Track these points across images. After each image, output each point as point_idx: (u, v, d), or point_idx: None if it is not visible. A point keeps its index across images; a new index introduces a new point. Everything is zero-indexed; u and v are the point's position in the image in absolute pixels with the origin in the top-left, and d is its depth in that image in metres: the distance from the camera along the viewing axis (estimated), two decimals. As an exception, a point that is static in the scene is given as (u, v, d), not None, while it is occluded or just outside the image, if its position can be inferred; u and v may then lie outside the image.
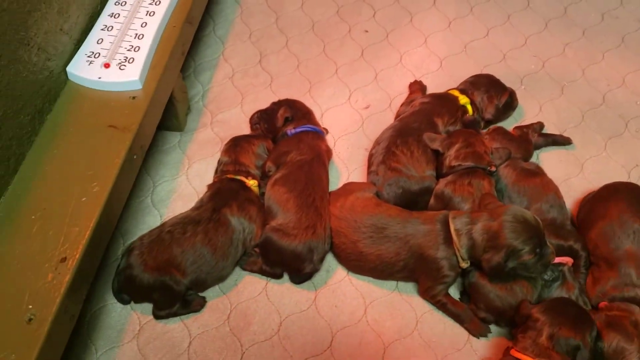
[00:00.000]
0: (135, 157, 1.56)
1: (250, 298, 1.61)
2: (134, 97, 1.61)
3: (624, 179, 1.82)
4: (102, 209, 1.40)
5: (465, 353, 1.52)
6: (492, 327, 1.56)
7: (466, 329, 1.55)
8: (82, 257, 1.33)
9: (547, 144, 1.88)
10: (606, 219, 1.57)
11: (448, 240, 1.52)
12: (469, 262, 1.52)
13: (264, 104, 1.91)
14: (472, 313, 1.56)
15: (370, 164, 1.79)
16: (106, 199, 1.42)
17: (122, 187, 1.52)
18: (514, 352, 1.36)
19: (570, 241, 1.59)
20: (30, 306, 1.24)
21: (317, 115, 1.94)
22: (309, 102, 1.95)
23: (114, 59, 1.66)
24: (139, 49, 1.68)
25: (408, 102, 1.92)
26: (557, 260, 1.53)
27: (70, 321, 1.32)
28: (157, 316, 1.56)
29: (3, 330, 1.20)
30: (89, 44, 1.69)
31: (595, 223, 1.60)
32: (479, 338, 1.54)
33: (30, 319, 1.23)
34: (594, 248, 1.58)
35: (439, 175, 1.73)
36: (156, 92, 1.65)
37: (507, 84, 1.94)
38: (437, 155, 1.74)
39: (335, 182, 1.83)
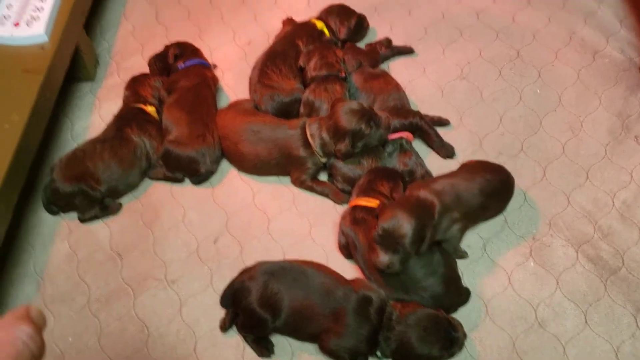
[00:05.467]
0: (48, 94, 1.91)
1: (158, 199, 1.98)
2: (42, 47, 1.96)
3: (457, 74, 2.24)
4: (22, 133, 1.75)
5: (331, 216, 1.92)
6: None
7: (331, 199, 1.95)
8: (9, 169, 1.68)
9: (394, 54, 2.29)
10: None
11: (307, 142, 1.91)
12: (325, 157, 1.93)
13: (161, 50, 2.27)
14: (334, 187, 1.96)
15: (250, 85, 2.17)
16: (25, 125, 1.77)
17: (39, 117, 1.86)
18: (351, 204, 1.81)
19: (409, 118, 2.00)
20: (-30, 205, 1.60)
21: (207, 54, 2.31)
22: (199, 45, 2.30)
23: (22, 19, 1.99)
24: (42, 9, 2.02)
25: (280, 34, 2.31)
26: (397, 135, 1.95)
27: (4, 219, 1.67)
28: (82, 220, 1.92)
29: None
30: (0, 9, 2.02)
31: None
32: (341, 204, 1.94)
33: (-30, 214, 1.58)
34: None
35: (305, 87, 2.12)
36: (61, 43, 1.99)
37: (363, 13, 2.34)
38: (302, 70, 2.13)
39: (226, 104, 2.19)
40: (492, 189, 1.78)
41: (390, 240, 1.58)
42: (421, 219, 1.59)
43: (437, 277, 1.63)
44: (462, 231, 1.74)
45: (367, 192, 1.80)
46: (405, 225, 1.57)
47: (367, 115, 1.83)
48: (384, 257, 1.59)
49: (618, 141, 2.05)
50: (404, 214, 1.59)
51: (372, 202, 1.78)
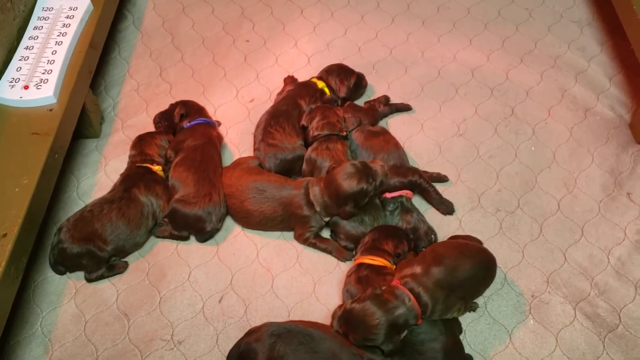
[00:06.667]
0: (56, 155, 1.95)
1: (164, 258, 2.01)
2: (50, 109, 2.01)
3: (454, 131, 2.32)
4: (32, 196, 1.78)
5: (335, 274, 1.96)
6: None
7: (334, 256, 2.00)
8: (19, 232, 1.69)
9: (391, 112, 2.36)
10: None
11: (310, 203, 1.97)
12: (328, 217, 1.99)
13: (166, 108, 2.33)
14: (337, 244, 2.00)
15: (254, 143, 2.23)
16: (34, 189, 1.80)
17: (48, 179, 1.90)
18: (355, 262, 1.87)
19: (409, 176, 2.06)
20: (-19, 270, 1.61)
21: (211, 111, 2.37)
22: (203, 102, 2.37)
23: (32, 81, 2.04)
24: (51, 71, 2.08)
25: (282, 92, 2.38)
26: (397, 193, 2.01)
27: (14, 282, 1.68)
28: (88, 280, 1.94)
29: (-39, 286, 1.57)
30: (10, 72, 2.07)
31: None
32: (344, 262, 1.99)
33: (-18, 280, 1.60)
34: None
35: (307, 145, 2.18)
36: (69, 104, 2.04)
37: (362, 71, 2.43)
38: (304, 129, 2.20)
39: (230, 161, 2.24)
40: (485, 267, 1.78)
41: (347, 324, 1.63)
42: (389, 332, 1.59)
43: (437, 344, 1.66)
44: (460, 310, 1.72)
45: (371, 250, 1.85)
46: (367, 329, 1.59)
47: (364, 173, 1.89)
48: (334, 324, 1.66)
49: (611, 198, 2.11)
50: (376, 317, 1.58)
51: (376, 260, 1.83)
